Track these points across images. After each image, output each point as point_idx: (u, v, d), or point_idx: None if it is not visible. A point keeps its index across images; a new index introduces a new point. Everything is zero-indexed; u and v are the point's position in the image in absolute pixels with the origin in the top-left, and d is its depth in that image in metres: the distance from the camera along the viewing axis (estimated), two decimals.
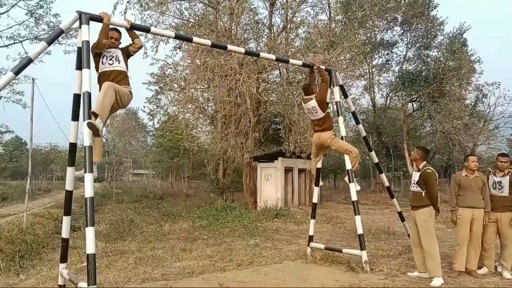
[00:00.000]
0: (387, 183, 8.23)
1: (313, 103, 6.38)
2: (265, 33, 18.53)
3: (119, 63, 4.90)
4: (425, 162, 6.02)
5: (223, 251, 8.06)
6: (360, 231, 6.41)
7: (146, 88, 20.99)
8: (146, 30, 5.75)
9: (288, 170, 18.03)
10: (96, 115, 4.37)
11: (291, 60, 7.68)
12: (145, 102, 23.69)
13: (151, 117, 24.64)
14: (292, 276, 6.02)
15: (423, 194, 5.82)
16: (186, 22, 17.37)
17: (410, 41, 27.70)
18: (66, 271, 5.03)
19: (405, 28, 27.40)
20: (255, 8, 18.06)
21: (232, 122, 16.26)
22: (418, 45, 27.18)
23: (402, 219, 8.09)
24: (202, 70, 14.81)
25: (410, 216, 6.14)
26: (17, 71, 4.39)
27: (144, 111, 30.46)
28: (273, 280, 5.83)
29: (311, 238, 7.38)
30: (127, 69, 5.01)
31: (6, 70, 23.85)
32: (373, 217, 14.30)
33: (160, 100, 20.84)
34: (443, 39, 25.86)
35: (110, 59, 4.90)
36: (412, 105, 27.14)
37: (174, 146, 29.78)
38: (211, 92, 18.75)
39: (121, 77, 4.88)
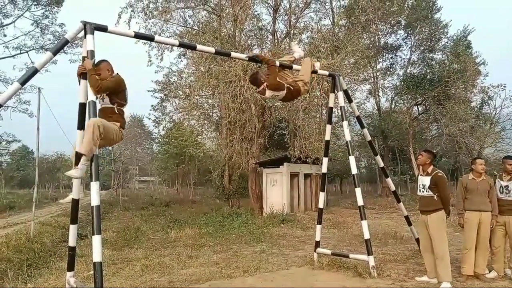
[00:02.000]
0: (393, 187, 8.19)
1: (268, 93, 5.86)
2: (268, 39, 18.60)
3: (103, 100, 4.75)
4: (432, 165, 5.99)
5: (229, 257, 8.05)
6: (367, 236, 6.38)
7: (151, 96, 21.17)
8: (151, 39, 5.81)
9: (293, 175, 18.00)
10: (80, 156, 4.32)
11: (295, 66, 7.68)
12: (151, 110, 23.89)
13: (156, 124, 24.86)
14: (299, 282, 6.00)
15: (435, 198, 5.75)
16: (190, 29, 17.49)
17: (414, 44, 27.67)
18: (73, 279, 5.05)
19: (409, 32, 27.38)
20: (258, 14, 18.18)
21: (237, 128, 16.28)
22: (422, 48, 27.15)
23: (409, 223, 8.05)
24: (207, 77, 14.87)
25: (420, 221, 6.05)
26: (24, 81, 4.44)
27: (149, 119, 30.60)
28: (280, 287, 5.81)
29: (317, 244, 7.35)
30: (120, 102, 4.80)
31: (13, 80, 24.12)
32: (380, 221, 14.22)
33: (165, 107, 21.00)
34: (447, 42, 25.84)
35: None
36: (418, 108, 27.05)
37: (179, 153, 29.83)
38: (215, 99, 18.80)
39: (107, 114, 4.71)
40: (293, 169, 17.64)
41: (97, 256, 3.88)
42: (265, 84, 5.81)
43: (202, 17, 18.22)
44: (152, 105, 23.37)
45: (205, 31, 16.54)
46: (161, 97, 20.89)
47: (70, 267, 5.11)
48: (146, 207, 21.64)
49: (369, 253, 6.26)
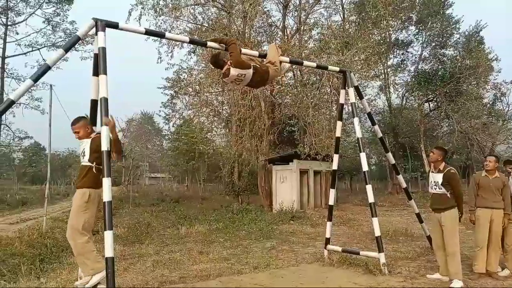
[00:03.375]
0: (404, 184, 8.14)
1: (233, 72, 5.22)
2: (278, 35, 18.56)
3: (83, 157, 4.62)
4: (444, 162, 5.92)
5: (239, 253, 8.07)
6: (377, 233, 6.35)
7: (162, 93, 21.28)
8: (161, 35, 5.82)
9: (303, 172, 17.96)
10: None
11: (305, 62, 7.67)
12: (161, 107, 24.05)
13: (166, 121, 25.00)
14: (309, 279, 5.99)
15: (448, 195, 5.67)
16: (200, 26, 17.51)
17: (426, 40, 27.37)
18: None
19: (420, 28, 27.08)
20: (268, 11, 18.16)
21: (247, 125, 16.29)
22: (433, 44, 26.85)
23: (421, 221, 7.99)
24: (217, 73, 14.89)
25: (433, 218, 5.96)
26: (36, 78, 4.49)
27: (159, 115, 30.73)
28: (290, 283, 5.81)
29: (328, 241, 7.33)
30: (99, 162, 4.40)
31: (25, 77, 24.42)
32: (391, 218, 14.13)
33: (175, 104, 21.10)
34: (459, 38, 25.53)
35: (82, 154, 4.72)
36: (429, 105, 26.81)
37: (189, 150, 29.93)
38: (225, 96, 18.84)
39: (84, 173, 4.57)
40: (303, 166, 17.60)
41: (109, 252, 3.92)
42: (228, 62, 5.27)
43: (212, 14, 18.24)
44: (162, 102, 23.52)
45: (215, 28, 16.55)
46: (171, 94, 20.98)
47: None
48: (156, 203, 21.74)
49: (380, 250, 6.23)
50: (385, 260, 6.18)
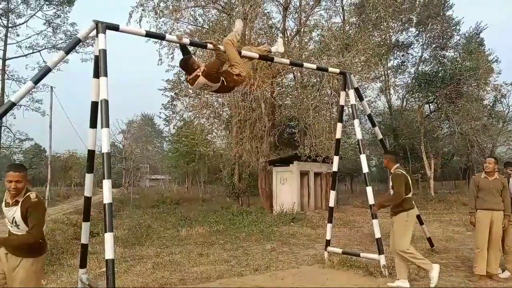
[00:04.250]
0: None
1: (201, 80, 4.95)
2: (279, 37, 18.56)
3: (18, 227, 3.52)
4: (397, 164, 5.99)
5: (239, 255, 8.07)
6: (378, 235, 6.35)
7: (162, 94, 21.25)
8: (162, 37, 5.83)
9: (303, 174, 17.96)
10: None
11: (306, 64, 7.68)
12: (161, 108, 24.03)
13: (167, 123, 25.00)
14: (309, 281, 5.99)
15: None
16: (200, 28, 17.53)
17: (426, 42, 27.43)
18: (85, 276, 5.11)
19: (421, 29, 27.13)
20: (268, 12, 18.18)
21: (247, 127, 16.31)
22: (434, 45, 26.90)
23: (421, 222, 7.99)
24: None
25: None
26: (37, 80, 4.51)
27: (160, 117, 30.75)
28: (290, 285, 5.81)
29: (328, 243, 7.33)
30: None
31: (25, 79, 24.45)
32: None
33: (175, 106, 21.05)
34: (459, 39, 25.60)
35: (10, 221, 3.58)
36: (429, 106, 26.80)
37: (190, 151, 29.94)
38: (226, 97, 18.84)
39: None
40: (303, 167, 17.60)
41: (109, 254, 3.92)
42: (199, 69, 4.93)
43: (212, 15, 18.29)
44: (162, 104, 23.51)
45: (215, 30, 16.57)
46: (171, 95, 20.95)
47: (83, 264, 5.17)
48: (157, 205, 21.76)
49: (380, 252, 6.23)
50: (385, 262, 6.19)
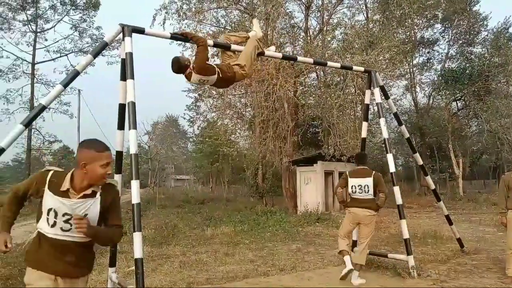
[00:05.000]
0: (433, 186, 7.97)
1: (194, 77, 4.90)
2: (301, 36, 18.47)
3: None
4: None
5: (265, 255, 8.07)
6: (406, 235, 6.24)
7: (186, 96, 21.53)
8: (186, 39, 5.86)
9: (328, 174, 17.81)
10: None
11: (329, 63, 7.60)
12: (185, 109, 24.33)
13: (191, 124, 25.26)
14: (336, 281, 5.93)
15: None
16: (223, 29, 17.62)
17: (452, 38, 26.81)
18: (115, 275, 5.20)
19: (446, 25, 26.54)
20: (290, 12, 18.08)
21: (270, 127, 16.28)
22: (460, 42, 26.29)
23: (450, 223, 7.81)
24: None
25: None
26: (66, 83, 4.62)
27: (184, 118, 31.10)
28: (317, 285, 5.77)
29: (354, 243, 7.25)
30: None
31: (53, 83, 25.13)
32: (419, 221, 13.85)
33: (199, 107, 21.27)
34: (487, 35, 24.96)
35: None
36: (457, 104, 26.23)
37: (213, 152, 30.14)
38: (248, 98, 18.88)
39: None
40: (328, 167, 17.45)
41: (138, 253, 3.97)
42: (191, 66, 4.88)
43: (234, 16, 18.32)
44: (186, 105, 23.83)
45: (237, 31, 16.60)
46: (195, 97, 21.17)
47: (112, 263, 5.25)
48: (182, 205, 21.99)
49: (408, 253, 6.12)
50: (413, 263, 6.07)
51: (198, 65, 4.84)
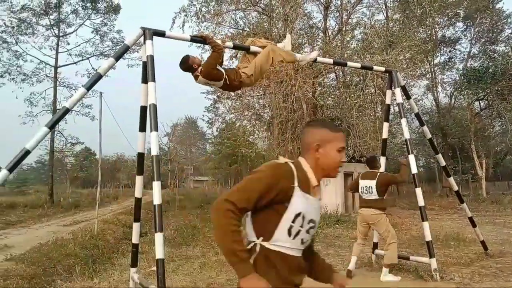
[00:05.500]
0: (456, 187, 7.82)
1: (202, 80, 4.97)
2: (319, 37, 18.40)
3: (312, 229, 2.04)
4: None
5: None
6: (428, 237, 6.13)
7: (205, 97, 21.66)
8: (205, 42, 5.90)
9: (347, 175, 17.64)
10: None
11: (349, 63, 7.53)
12: (204, 111, 24.45)
13: (209, 125, 25.39)
14: (357, 284, 5.86)
15: None
16: (241, 31, 17.69)
17: (474, 36, 26.31)
18: (136, 275, 5.26)
19: (468, 24, 26.07)
20: (309, 12, 18.05)
21: (289, 128, 16.26)
22: (483, 40, 25.79)
23: (474, 225, 7.64)
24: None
25: None
26: (89, 86, 4.70)
27: (203, 120, 31.36)
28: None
29: (375, 245, 7.17)
30: None
31: (76, 86, 25.65)
32: (441, 223, 13.59)
33: (218, 109, 21.38)
34: (511, 33, 24.31)
35: None
36: (479, 103, 25.67)
37: (232, 153, 30.29)
38: (267, 99, 18.90)
39: None
40: (347, 168, 17.28)
41: (160, 253, 4.00)
42: (199, 69, 4.94)
43: (253, 18, 18.38)
44: (205, 107, 23.94)
45: (256, 32, 16.65)
46: (214, 98, 21.29)
47: (134, 263, 5.30)
48: (201, 206, 22.12)
49: (431, 255, 6.01)
50: (436, 266, 5.96)
51: (206, 70, 4.90)
